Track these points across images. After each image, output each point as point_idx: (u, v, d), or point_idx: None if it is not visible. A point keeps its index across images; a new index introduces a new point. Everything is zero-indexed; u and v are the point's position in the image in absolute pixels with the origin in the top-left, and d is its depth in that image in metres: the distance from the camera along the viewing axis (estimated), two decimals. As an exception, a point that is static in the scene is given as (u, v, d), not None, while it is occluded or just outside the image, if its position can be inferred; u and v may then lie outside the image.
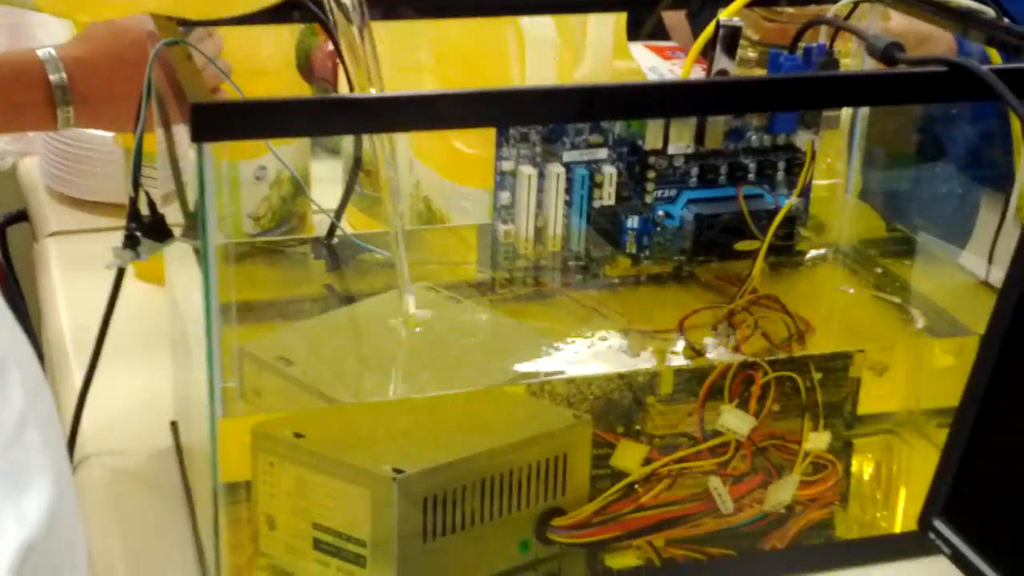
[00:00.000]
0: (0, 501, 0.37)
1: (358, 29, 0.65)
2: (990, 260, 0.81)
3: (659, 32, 1.63)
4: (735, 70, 0.85)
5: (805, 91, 0.70)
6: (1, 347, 0.39)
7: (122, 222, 0.70)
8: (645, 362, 0.73)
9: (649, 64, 1.41)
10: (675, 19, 1.61)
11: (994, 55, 0.78)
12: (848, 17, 0.83)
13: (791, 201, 0.81)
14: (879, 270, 0.85)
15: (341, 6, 0.63)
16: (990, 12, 0.76)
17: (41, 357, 0.96)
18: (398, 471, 0.65)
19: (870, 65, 0.81)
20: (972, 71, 0.65)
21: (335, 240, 0.83)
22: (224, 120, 0.56)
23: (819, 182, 0.88)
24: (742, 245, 0.80)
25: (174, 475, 0.80)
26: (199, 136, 0.56)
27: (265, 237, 0.94)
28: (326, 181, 1.04)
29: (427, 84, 0.99)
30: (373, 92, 0.63)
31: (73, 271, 1.04)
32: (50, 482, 0.39)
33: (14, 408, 0.39)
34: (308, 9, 0.71)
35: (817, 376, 0.74)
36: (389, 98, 0.61)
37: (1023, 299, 0.58)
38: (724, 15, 0.80)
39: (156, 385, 0.85)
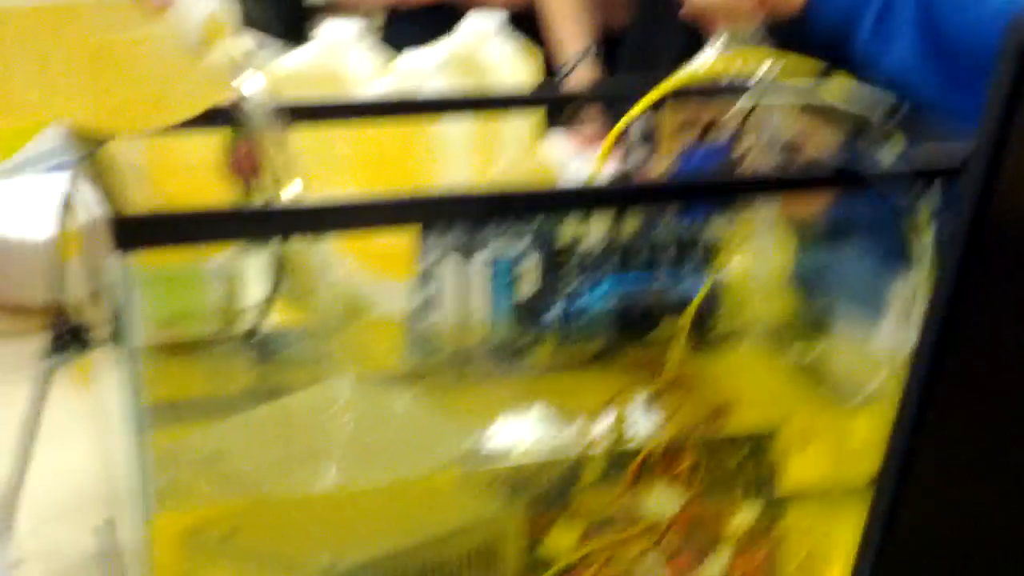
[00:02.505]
0: None
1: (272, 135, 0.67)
2: (903, 334, 0.83)
3: (575, 120, 1.66)
4: (650, 162, 0.88)
5: (713, 190, 0.73)
6: None
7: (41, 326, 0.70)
8: (573, 447, 0.74)
9: (564, 153, 1.44)
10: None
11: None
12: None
13: (707, 287, 0.83)
14: (797, 346, 0.87)
15: (257, 113, 0.65)
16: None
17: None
18: (331, 566, 0.66)
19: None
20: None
21: (261, 336, 0.84)
22: (146, 230, 0.57)
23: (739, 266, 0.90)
24: (662, 329, 0.82)
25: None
26: (121, 246, 0.57)
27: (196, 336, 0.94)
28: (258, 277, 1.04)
29: (346, 186, 1.01)
30: (289, 199, 0.65)
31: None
32: None
33: None
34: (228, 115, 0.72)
35: (742, 453, 0.75)
36: (307, 209, 0.62)
37: (934, 366, 0.60)
38: (635, 112, 0.83)
39: (88, 488, 0.85)
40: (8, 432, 0.76)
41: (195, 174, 0.99)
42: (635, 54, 1.79)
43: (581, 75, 1.76)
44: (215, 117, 0.70)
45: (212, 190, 1.03)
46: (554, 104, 1.15)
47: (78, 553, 0.82)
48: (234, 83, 0.65)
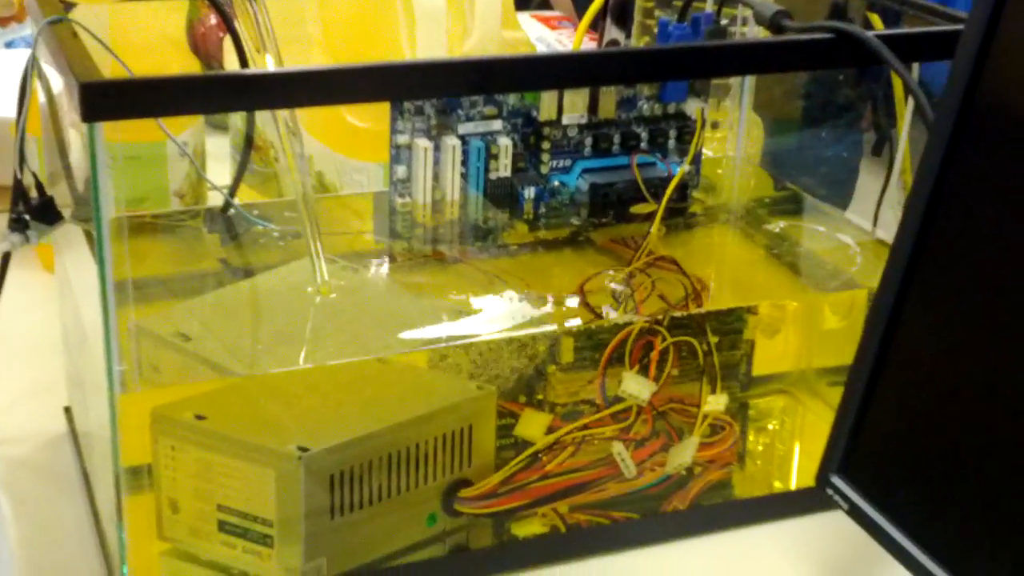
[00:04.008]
0: None
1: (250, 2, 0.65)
2: (875, 220, 0.83)
3: (545, 3, 1.63)
4: (625, 40, 0.86)
5: (693, 61, 0.71)
6: None
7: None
8: (547, 326, 0.74)
9: (536, 34, 1.42)
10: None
11: (876, 20, 0.80)
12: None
13: (683, 168, 0.82)
14: (770, 229, 0.87)
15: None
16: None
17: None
18: (303, 449, 0.65)
19: (756, 33, 0.82)
20: (858, 37, 0.66)
21: (228, 215, 0.82)
22: (115, 99, 0.55)
23: (709, 148, 0.89)
24: (636, 208, 0.81)
25: (70, 462, 0.79)
26: (90, 116, 0.55)
27: (163, 211, 0.92)
28: (216, 158, 1.02)
29: (316, 58, 0.98)
30: (270, 67, 0.62)
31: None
32: None
33: None
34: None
35: (714, 340, 0.75)
36: (283, 74, 0.60)
37: (915, 251, 0.60)
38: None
39: (49, 372, 0.83)
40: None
41: (154, 49, 0.96)
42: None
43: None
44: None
45: (171, 67, 1.01)
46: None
47: (41, 437, 0.81)
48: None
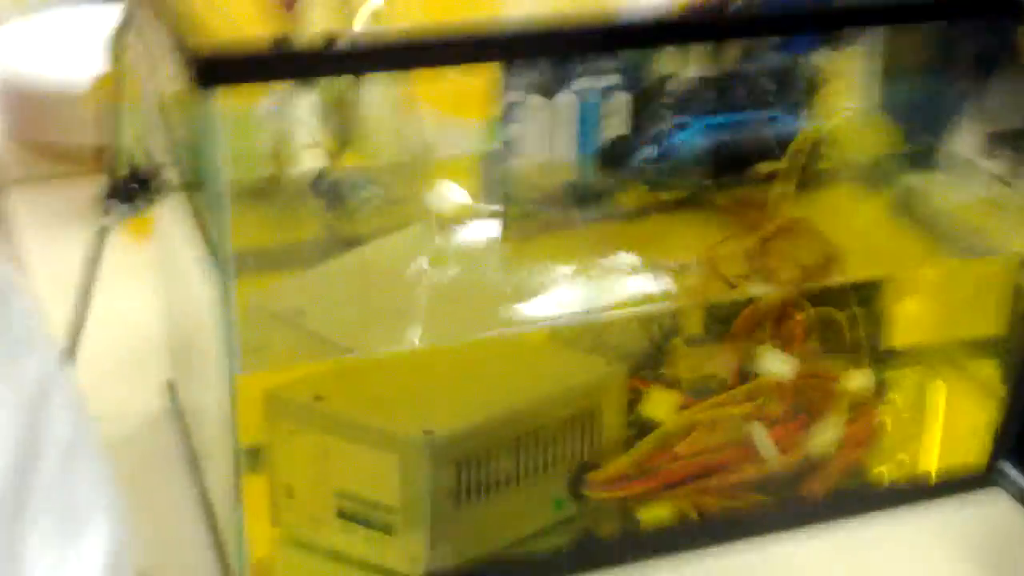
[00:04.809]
0: (57, 546, 0.32)
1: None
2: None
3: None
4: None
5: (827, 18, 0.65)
6: (44, 370, 0.34)
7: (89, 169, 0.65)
8: (674, 299, 0.69)
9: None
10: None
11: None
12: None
13: (814, 125, 0.77)
14: (905, 187, 0.81)
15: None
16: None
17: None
18: (428, 432, 0.61)
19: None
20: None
21: (328, 181, 0.78)
22: (233, 67, 0.51)
23: (838, 101, 0.84)
24: (762, 167, 0.76)
25: (175, 441, 0.75)
26: (206, 81, 0.51)
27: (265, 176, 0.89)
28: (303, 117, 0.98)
29: (413, 12, 0.94)
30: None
31: (47, 225, 0.98)
32: (106, 521, 0.35)
33: (61, 437, 0.34)
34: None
35: (858, 310, 0.70)
36: (415, 42, 0.56)
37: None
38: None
39: (146, 345, 0.80)
40: (60, 282, 0.70)
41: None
42: None
43: None
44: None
45: (249, 19, 0.97)
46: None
47: (143, 414, 0.78)
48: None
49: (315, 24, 0.96)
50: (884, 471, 0.74)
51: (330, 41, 0.56)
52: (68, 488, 0.34)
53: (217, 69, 0.51)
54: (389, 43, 0.58)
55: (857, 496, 0.72)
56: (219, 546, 0.67)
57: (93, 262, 0.68)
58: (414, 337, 0.65)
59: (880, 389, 0.73)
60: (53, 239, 0.95)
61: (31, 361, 0.35)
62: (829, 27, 0.74)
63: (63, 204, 1.00)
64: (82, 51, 1.08)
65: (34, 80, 1.08)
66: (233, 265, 0.57)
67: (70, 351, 0.73)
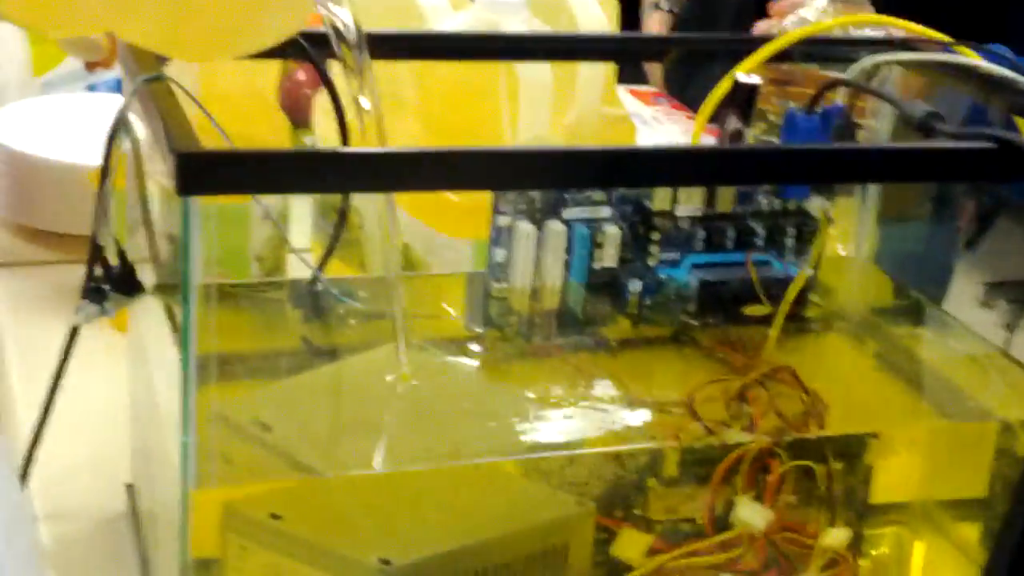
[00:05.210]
0: None
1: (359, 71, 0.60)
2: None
3: (640, 77, 1.58)
4: (748, 132, 0.80)
5: (833, 165, 0.64)
6: None
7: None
8: (657, 440, 0.68)
9: (632, 110, 1.37)
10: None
11: (1022, 124, 0.74)
12: (870, 79, 0.78)
13: (804, 271, 0.76)
14: (892, 341, 0.80)
15: (345, 42, 0.58)
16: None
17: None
18: (385, 562, 0.59)
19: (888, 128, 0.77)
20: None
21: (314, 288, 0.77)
22: (213, 172, 0.50)
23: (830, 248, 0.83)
24: (750, 310, 0.75)
25: (128, 544, 0.73)
26: (186, 189, 0.50)
27: (247, 281, 0.88)
28: (297, 219, 0.97)
29: (410, 126, 0.93)
30: (378, 146, 0.57)
31: (24, 310, 0.97)
32: None
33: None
34: (301, 48, 0.64)
35: (837, 465, 0.68)
36: (402, 154, 0.55)
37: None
38: (741, 70, 0.75)
39: (111, 444, 0.78)
40: (36, 366, 0.69)
41: (243, 104, 0.92)
42: (695, 7, 1.70)
43: (652, 27, 1.69)
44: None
45: (260, 123, 0.97)
46: (634, 54, 1.08)
47: (99, 514, 0.75)
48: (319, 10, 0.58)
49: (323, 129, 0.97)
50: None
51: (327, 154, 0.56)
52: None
53: (199, 175, 0.50)
54: (379, 160, 0.57)
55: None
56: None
57: (62, 359, 0.67)
58: (380, 460, 0.63)
59: (858, 545, 0.71)
60: (34, 324, 0.94)
61: None
62: (833, 178, 0.73)
63: (49, 289, 0.99)
64: (83, 138, 1.08)
65: (31, 163, 1.07)
66: (197, 372, 0.55)
67: (33, 446, 0.71)
